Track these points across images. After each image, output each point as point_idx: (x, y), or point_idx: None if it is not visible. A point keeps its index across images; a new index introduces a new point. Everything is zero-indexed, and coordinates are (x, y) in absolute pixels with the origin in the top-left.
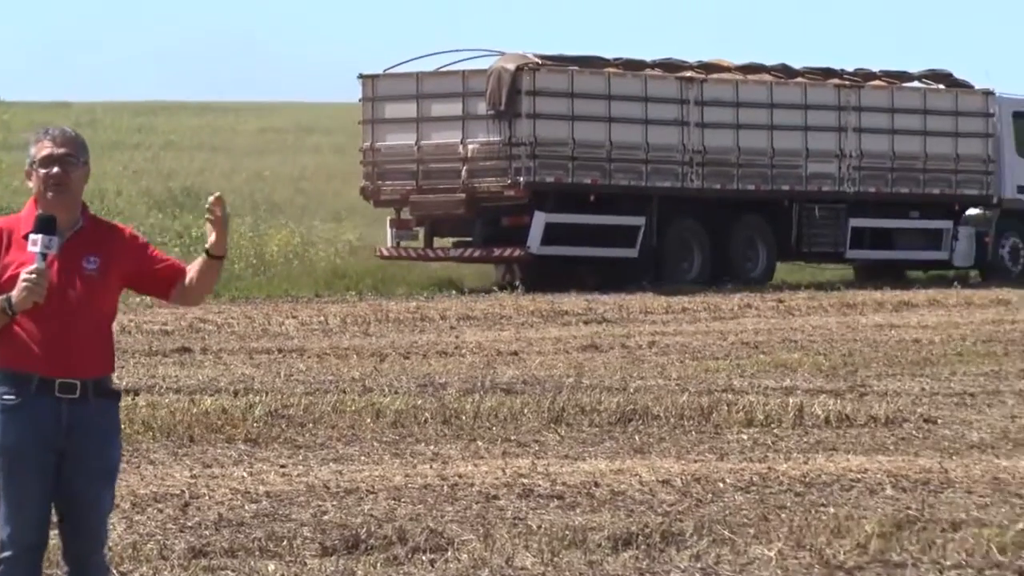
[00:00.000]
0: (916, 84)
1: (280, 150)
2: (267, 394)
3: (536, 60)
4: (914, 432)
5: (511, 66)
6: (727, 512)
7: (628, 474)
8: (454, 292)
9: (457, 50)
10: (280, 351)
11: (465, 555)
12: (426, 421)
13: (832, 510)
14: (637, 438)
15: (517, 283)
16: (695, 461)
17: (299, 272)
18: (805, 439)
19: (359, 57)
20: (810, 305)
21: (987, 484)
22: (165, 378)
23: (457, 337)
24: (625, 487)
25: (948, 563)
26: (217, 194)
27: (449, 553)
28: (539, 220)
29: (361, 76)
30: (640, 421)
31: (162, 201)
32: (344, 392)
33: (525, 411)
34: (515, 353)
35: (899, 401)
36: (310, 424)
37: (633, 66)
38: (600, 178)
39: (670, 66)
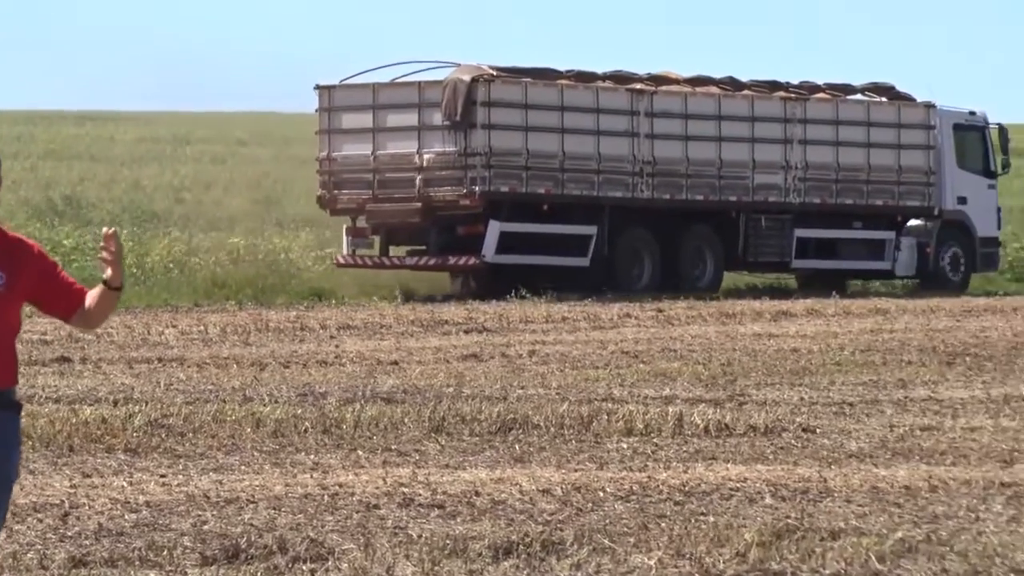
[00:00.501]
0: (860, 97)
1: (158, 159)
2: (147, 404)
3: (491, 72)
4: (793, 441)
5: (467, 78)
6: (607, 521)
7: (508, 483)
8: (333, 301)
9: (412, 61)
10: (160, 360)
11: (345, 564)
12: (306, 431)
13: (712, 519)
14: (517, 447)
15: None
16: (575, 470)
17: (179, 282)
18: (685, 448)
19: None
20: (689, 315)
21: (866, 493)
22: (44, 388)
23: (337, 346)
24: (505, 496)
25: (827, 572)
26: (110, 230)
27: (329, 563)
28: (494, 229)
29: (318, 87)
30: (520, 430)
31: (41, 210)
32: (224, 402)
33: (405, 420)
34: (395, 362)
35: (778, 410)
36: (190, 434)
37: (585, 78)
38: (553, 188)
39: (620, 78)
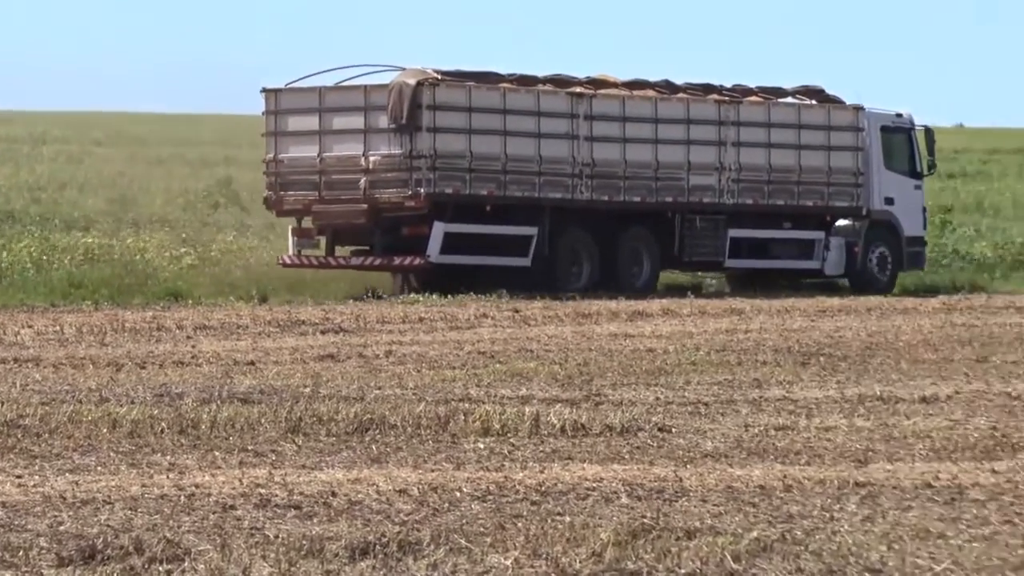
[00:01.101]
0: (790, 100)
1: (14, 159)
2: (2, 404)
3: (436, 75)
4: (649, 441)
5: (412, 81)
6: (464, 521)
7: (365, 483)
8: (190, 301)
9: (357, 65)
10: (16, 361)
11: (202, 565)
12: (163, 431)
13: (568, 519)
14: (374, 447)
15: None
16: (432, 470)
17: (35, 282)
18: (541, 448)
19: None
20: (546, 315)
21: (721, 493)
22: None
23: (194, 347)
24: (362, 496)
25: (683, 571)
26: None
27: (186, 563)
28: (438, 230)
29: (264, 90)
30: (377, 430)
31: None
32: (80, 402)
33: (262, 421)
34: (252, 363)
35: (634, 410)
36: (46, 434)
37: (526, 81)
38: (496, 189)
39: (560, 82)
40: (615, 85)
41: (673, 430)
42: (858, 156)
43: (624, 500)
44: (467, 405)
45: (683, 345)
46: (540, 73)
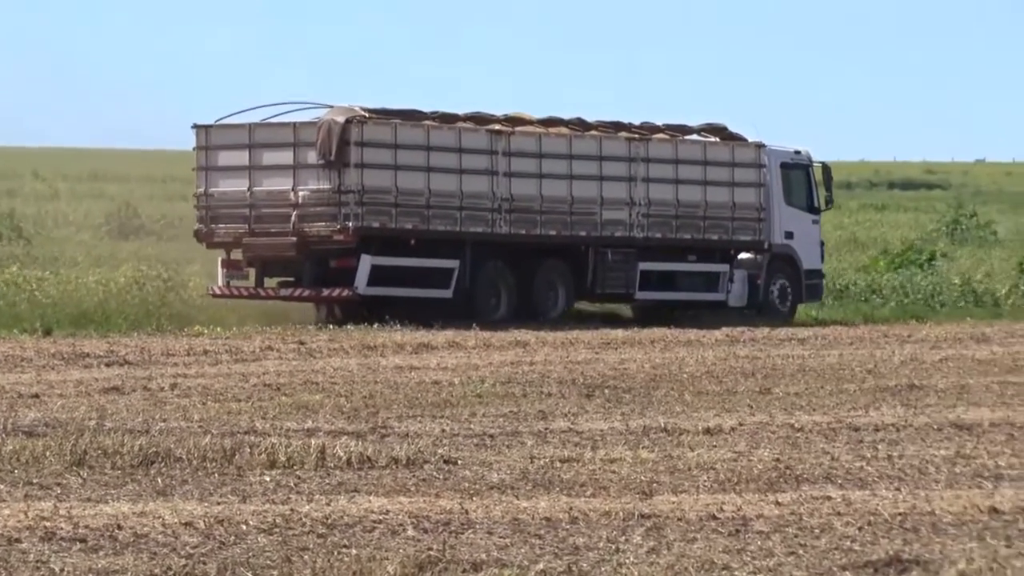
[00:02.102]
0: (696, 137)
1: None
2: None
3: (364, 113)
4: (435, 473)
5: (341, 119)
6: (250, 554)
7: (151, 516)
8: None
9: (285, 103)
10: None
11: None
12: None
13: (355, 551)
14: (160, 480)
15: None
16: (218, 503)
17: None
18: (327, 481)
19: None
20: (331, 347)
21: (507, 525)
22: None
23: None
24: (148, 530)
25: None
26: None
27: None
28: (365, 262)
29: (195, 126)
30: (163, 463)
31: None
32: None
33: (47, 454)
34: (36, 396)
35: (420, 442)
36: None
37: (448, 119)
38: (420, 224)
39: (480, 119)
40: (531, 123)
41: (459, 462)
42: (760, 192)
43: (411, 532)
44: (253, 438)
45: (468, 377)
46: (460, 111)
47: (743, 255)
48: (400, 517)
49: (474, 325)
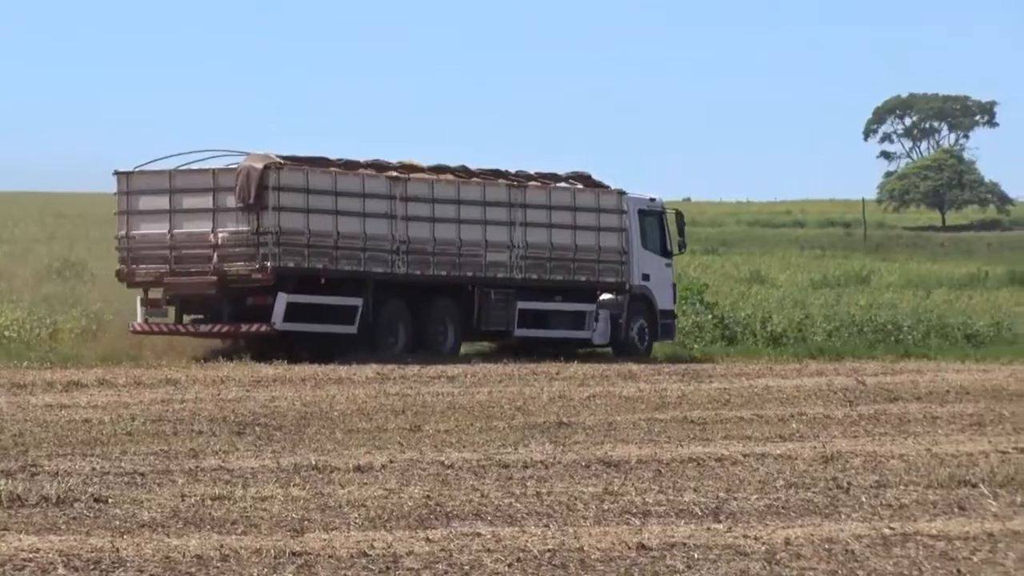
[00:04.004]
0: (565, 184)
1: None
2: None
3: (279, 160)
4: (85, 511)
5: (259, 165)
6: None
7: None
8: None
9: (202, 150)
10: None
11: None
12: None
13: None
14: None
15: None
16: None
17: None
18: None
19: None
20: None
21: (159, 563)
22: None
23: None
24: None
25: None
26: None
27: None
28: (282, 300)
29: (116, 172)
30: None
31: None
32: None
33: None
34: None
35: (70, 480)
36: None
37: (351, 166)
38: (329, 264)
39: (379, 166)
40: (422, 169)
41: (110, 500)
42: (622, 236)
43: (61, 571)
44: None
45: (119, 415)
46: (360, 158)
47: (605, 296)
48: (50, 556)
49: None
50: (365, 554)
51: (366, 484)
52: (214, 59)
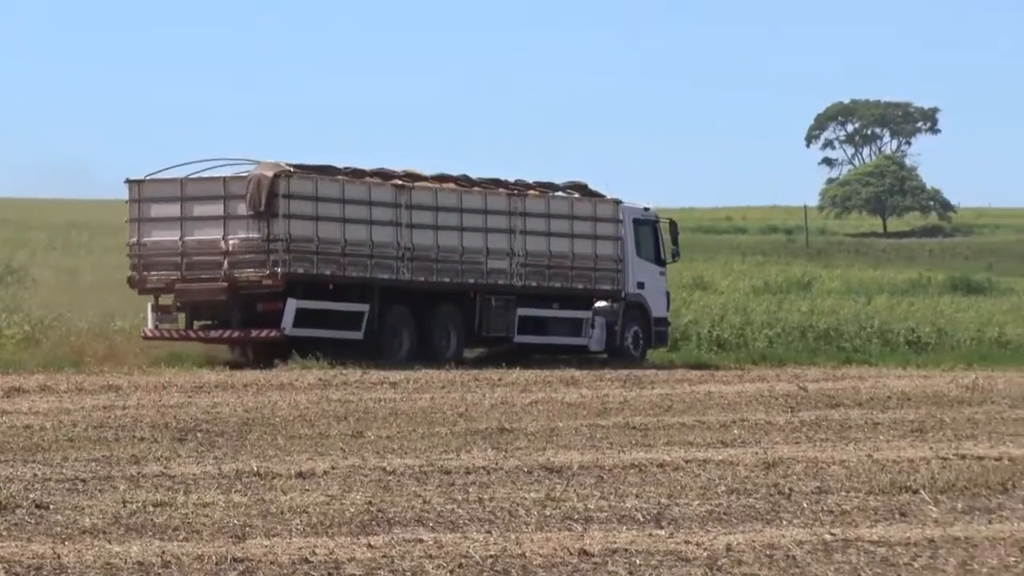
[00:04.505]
0: (562, 193)
1: None
2: None
3: (289, 168)
4: (27, 518)
5: (270, 173)
6: None
7: None
8: None
9: (213, 159)
10: None
11: None
12: None
13: None
14: None
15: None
16: None
17: None
18: None
19: None
20: None
21: (100, 569)
22: None
23: None
24: None
25: None
26: None
27: None
28: (291, 306)
29: (128, 180)
30: None
31: None
32: None
33: None
34: None
35: (11, 487)
36: None
37: (358, 174)
38: (336, 270)
39: (384, 175)
40: (425, 178)
41: (51, 507)
42: (618, 245)
43: None
44: None
45: (60, 421)
46: (366, 167)
47: (600, 303)
48: None
49: (67, 367)
50: (307, 560)
51: (308, 490)
52: (208, 65)
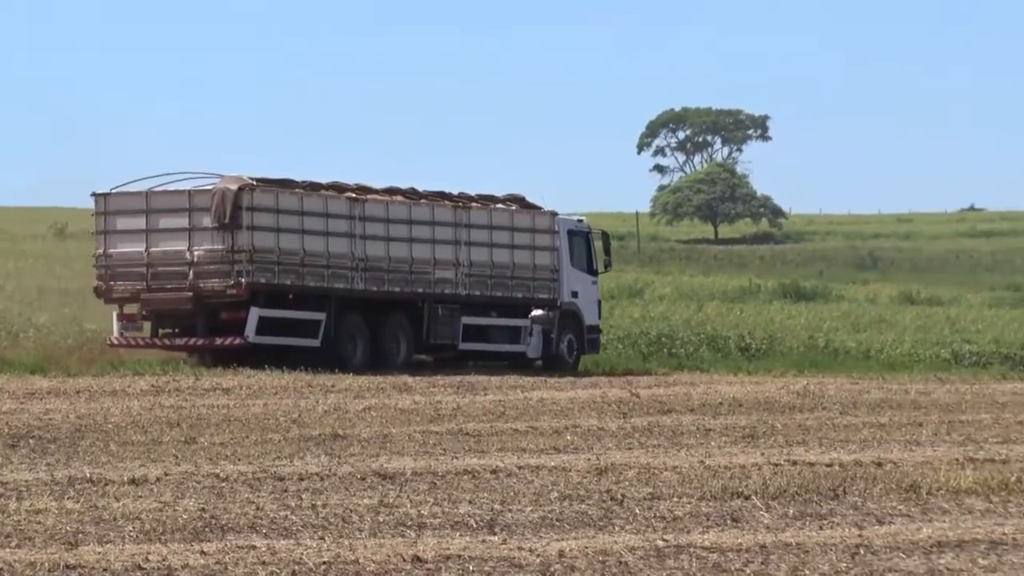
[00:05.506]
0: (502, 206)
1: None
2: None
3: (252, 181)
4: None
5: (234, 186)
6: None
7: None
8: None
9: (177, 172)
10: None
11: None
12: None
13: None
14: None
15: None
16: None
17: None
18: None
19: None
20: None
21: None
22: None
23: None
24: None
25: None
26: None
27: None
28: (254, 314)
29: (94, 193)
30: None
31: None
32: None
33: None
34: None
35: None
36: None
37: (314, 187)
38: (296, 280)
39: (339, 188)
40: (376, 191)
41: None
42: (554, 255)
43: None
44: None
45: None
46: (322, 180)
47: (536, 312)
48: None
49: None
50: (140, 567)
51: (141, 497)
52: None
